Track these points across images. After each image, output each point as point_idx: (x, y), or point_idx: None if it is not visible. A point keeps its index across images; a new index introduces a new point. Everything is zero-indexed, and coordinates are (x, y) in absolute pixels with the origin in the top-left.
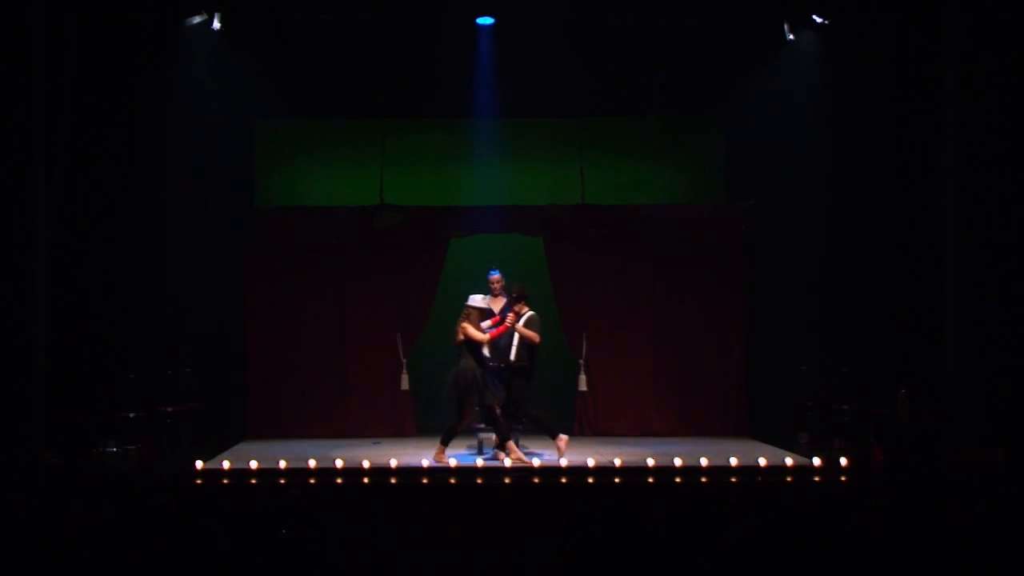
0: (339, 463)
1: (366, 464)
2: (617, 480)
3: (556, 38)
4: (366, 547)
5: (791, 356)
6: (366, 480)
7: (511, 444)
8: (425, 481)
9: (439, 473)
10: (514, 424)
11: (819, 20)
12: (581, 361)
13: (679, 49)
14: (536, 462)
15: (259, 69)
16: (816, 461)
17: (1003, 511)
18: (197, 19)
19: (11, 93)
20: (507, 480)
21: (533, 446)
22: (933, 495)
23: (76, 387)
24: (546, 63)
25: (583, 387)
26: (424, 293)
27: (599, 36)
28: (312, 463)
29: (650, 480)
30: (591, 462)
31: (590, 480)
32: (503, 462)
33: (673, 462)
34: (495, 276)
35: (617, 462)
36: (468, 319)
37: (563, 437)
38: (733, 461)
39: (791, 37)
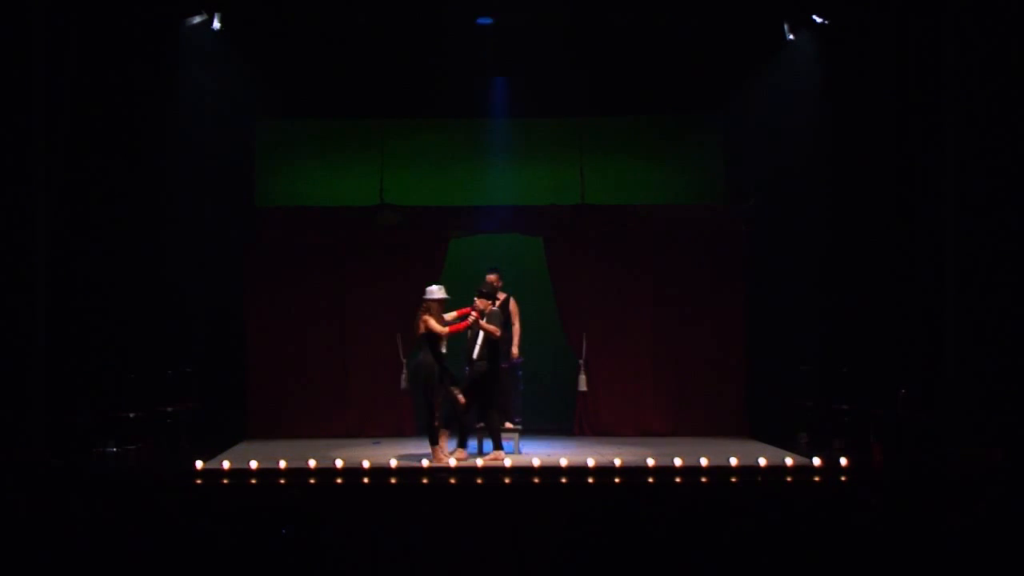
0: (339, 463)
1: (366, 464)
2: (617, 480)
3: (556, 38)
4: (366, 547)
5: (791, 356)
6: (366, 480)
7: (438, 449)
8: (425, 481)
9: (439, 473)
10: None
11: (819, 20)
12: (581, 361)
13: (679, 49)
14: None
15: (259, 69)
16: (816, 461)
17: (1003, 511)
18: (197, 19)
19: (11, 93)
20: (507, 480)
21: (533, 446)
22: (933, 495)
23: (76, 387)
24: (546, 63)
25: (583, 387)
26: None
27: (599, 36)
28: (312, 463)
29: (650, 480)
30: (591, 462)
31: (590, 480)
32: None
33: (673, 462)
34: (492, 276)
35: (617, 462)
36: (428, 311)
37: (500, 454)
38: (733, 461)
39: (791, 37)
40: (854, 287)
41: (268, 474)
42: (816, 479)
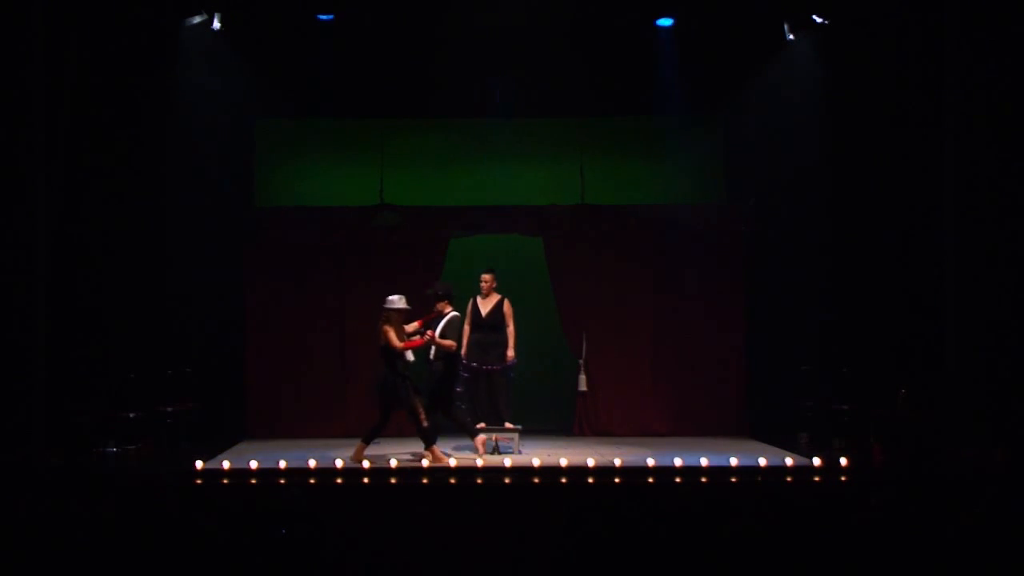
0: (339, 463)
1: (366, 464)
2: (617, 480)
3: (556, 38)
4: (366, 547)
5: (791, 356)
6: (366, 480)
7: (435, 448)
8: (425, 481)
9: (439, 473)
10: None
11: (819, 20)
12: (581, 361)
13: (679, 49)
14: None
15: (259, 69)
16: (816, 461)
17: (1003, 511)
18: (197, 19)
19: (11, 93)
20: (507, 480)
21: (533, 446)
22: (933, 495)
23: (76, 387)
24: (546, 63)
25: (583, 387)
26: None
27: (599, 36)
28: (312, 463)
29: (650, 480)
30: (591, 462)
31: (590, 480)
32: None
33: (673, 462)
34: (487, 276)
35: (617, 462)
36: (388, 322)
37: (431, 455)
38: (733, 461)
39: (791, 37)
40: (854, 287)
41: (268, 474)
42: (816, 479)
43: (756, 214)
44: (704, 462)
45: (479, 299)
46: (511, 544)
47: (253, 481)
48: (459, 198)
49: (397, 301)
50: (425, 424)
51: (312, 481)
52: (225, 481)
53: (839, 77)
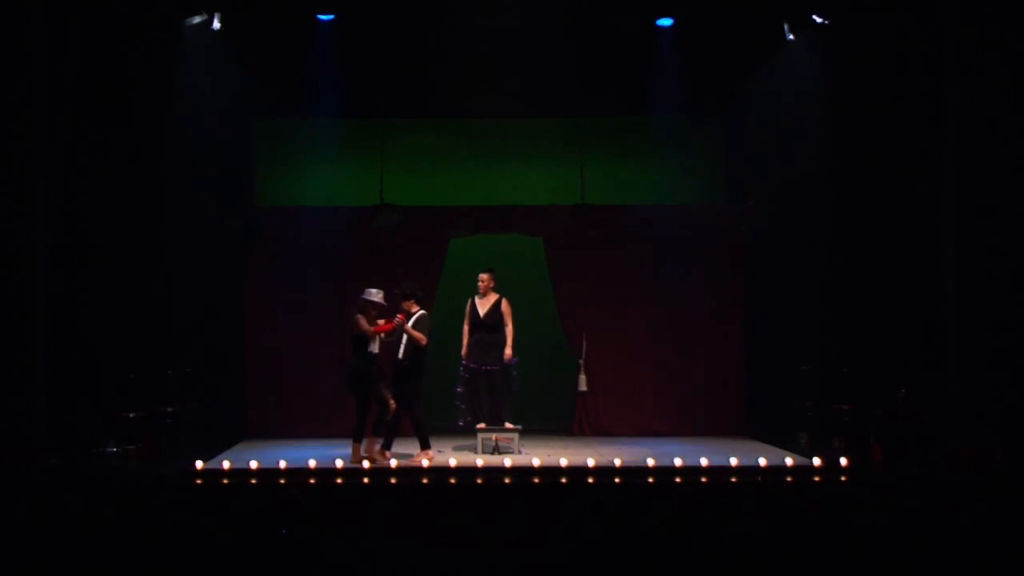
0: (339, 463)
1: (366, 464)
2: (617, 480)
3: (556, 38)
4: (366, 547)
5: (791, 356)
6: (366, 480)
7: (356, 445)
8: (425, 481)
9: (439, 473)
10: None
11: (819, 20)
12: (581, 361)
13: (679, 49)
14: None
15: (259, 69)
16: (816, 461)
17: (1003, 511)
18: (197, 19)
19: (11, 93)
20: (507, 480)
21: (533, 446)
22: (933, 495)
23: (76, 387)
24: (546, 63)
25: (583, 387)
26: (424, 293)
27: (599, 36)
28: (312, 463)
29: (650, 480)
30: (591, 462)
31: (590, 480)
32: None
33: (673, 462)
34: (484, 275)
35: (617, 462)
36: (363, 312)
37: (428, 453)
38: (733, 461)
39: (791, 37)
40: (854, 287)
41: (268, 474)
42: (816, 479)
43: (756, 214)
44: (704, 462)
45: (477, 299)
46: (511, 544)
47: (253, 481)
48: (459, 198)
49: (375, 294)
50: (388, 418)
51: (312, 481)
52: (225, 481)
53: (839, 77)
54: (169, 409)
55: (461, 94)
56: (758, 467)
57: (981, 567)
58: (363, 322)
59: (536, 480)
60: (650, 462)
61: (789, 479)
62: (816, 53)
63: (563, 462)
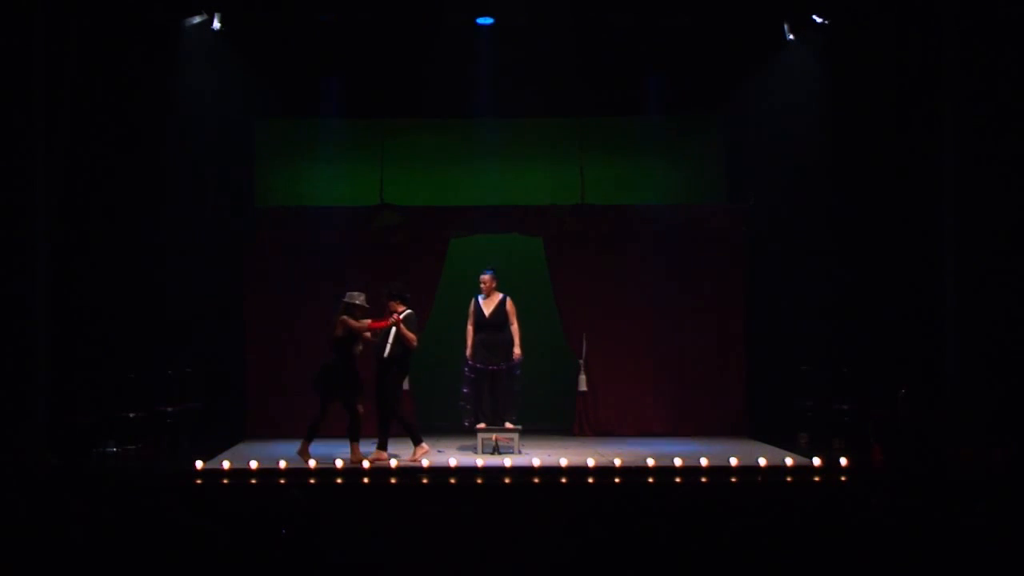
0: (339, 463)
1: (366, 464)
2: (617, 480)
3: (556, 38)
4: (366, 547)
5: (791, 356)
6: (366, 480)
7: (355, 445)
8: (425, 481)
9: (439, 473)
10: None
11: (819, 20)
12: (581, 361)
13: (679, 49)
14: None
15: (259, 69)
16: (816, 461)
17: (1003, 511)
18: (197, 19)
19: (11, 93)
20: (507, 480)
21: (533, 446)
22: (933, 495)
23: (76, 387)
24: (546, 63)
25: (583, 387)
26: (424, 293)
27: (599, 36)
28: (312, 463)
29: (650, 480)
30: (591, 462)
31: (590, 480)
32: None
33: (673, 462)
34: (486, 276)
35: (617, 462)
36: (347, 313)
37: (424, 448)
38: (733, 461)
39: (791, 37)
40: (854, 287)
41: (268, 474)
42: (816, 479)
43: (756, 214)
44: (704, 462)
45: (481, 299)
46: (511, 544)
47: (253, 481)
48: (459, 198)
49: (357, 296)
50: (357, 420)
51: (312, 481)
52: (225, 481)
53: (839, 77)
54: (169, 409)
55: (461, 94)
56: (758, 467)
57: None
58: (352, 322)
59: (536, 480)
60: (650, 462)
61: (789, 479)
62: (816, 53)
63: (563, 462)
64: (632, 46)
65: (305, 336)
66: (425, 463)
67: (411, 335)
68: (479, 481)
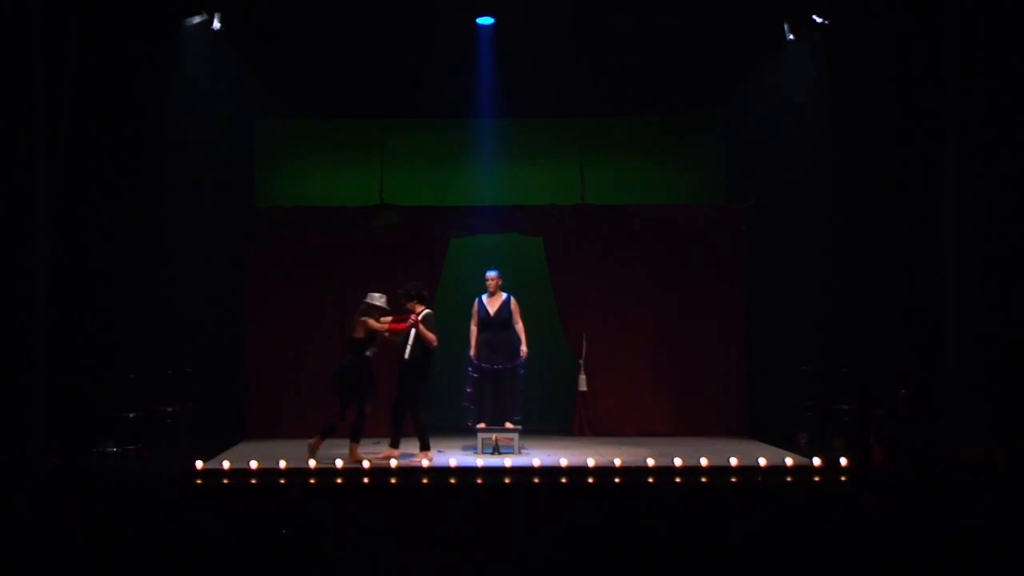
0: (339, 463)
1: (366, 464)
2: (617, 480)
3: (556, 38)
4: (366, 547)
5: (791, 356)
6: (366, 480)
7: (355, 445)
8: (425, 481)
9: (439, 473)
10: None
11: (819, 20)
12: (581, 361)
13: (679, 49)
14: (507, 462)
15: (259, 69)
16: (816, 461)
17: (1003, 511)
18: (197, 19)
19: (11, 93)
20: (507, 480)
21: (533, 446)
22: (933, 495)
23: (76, 387)
24: (546, 63)
25: (583, 387)
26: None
27: (599, 36)
28: (312, 463)
29: (650, 480)
30: (591, 462)
31: (590, 480)
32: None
33: (673, 462)
34: (493, 274)
35: (617, 462)
36: (367, 315)
37: (428, 454)
38: (733, 461)
39: (791, 37)
40: (854, 287)
41: (268, 474)
42: (816, 479)
43: (756, 214)
44: (704, 462)
45: (485, 298)
46: (511, 544)
47: (253, 481)
48: (459, 198)
49: (378, 298)
50: (362, 422)
51: (312, 481)
52: (225, 481)
53: (839, 77)
54: (169, 409)
55: (461, 94)
56: (758, 467)
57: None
58: (373, 323)
59: (536, 480)
60: (650, 462)
61: (789, 479)
62: (816, 53)
63: (563, 462)
64: (632, 46)
65: (305, 336)
66: (424, 464)
67: (430, 335)
68: (479, 481)
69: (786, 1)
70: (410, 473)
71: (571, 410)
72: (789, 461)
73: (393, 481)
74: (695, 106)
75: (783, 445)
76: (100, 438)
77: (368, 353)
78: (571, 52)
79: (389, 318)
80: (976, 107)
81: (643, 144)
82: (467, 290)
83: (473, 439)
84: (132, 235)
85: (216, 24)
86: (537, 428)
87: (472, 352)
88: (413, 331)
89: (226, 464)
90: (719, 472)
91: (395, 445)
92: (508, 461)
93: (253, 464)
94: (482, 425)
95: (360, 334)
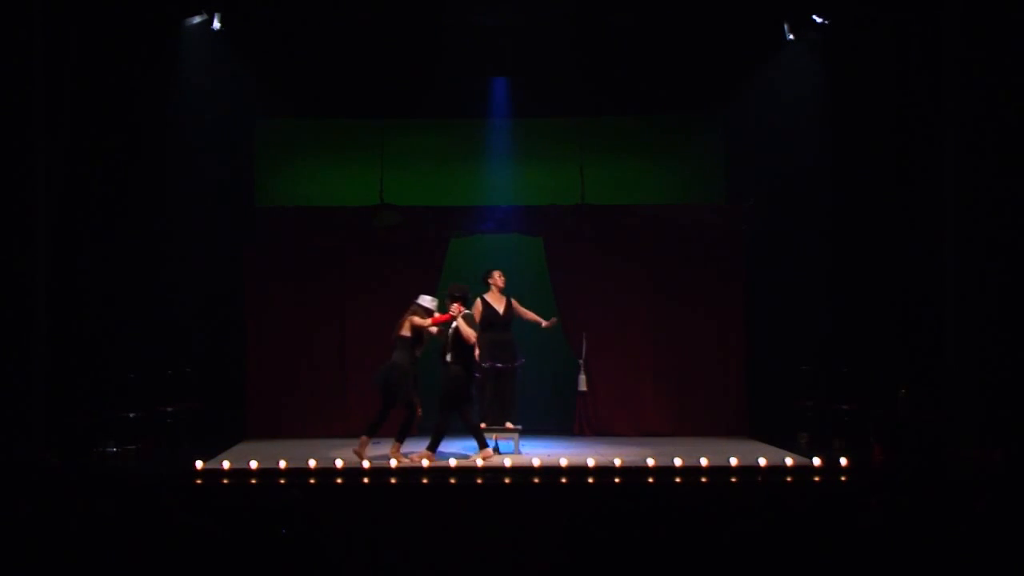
0: (339, 463)
1: (366, 464)
2: (617, 480)
3: (556, 38)
4: (366, 547)
5: (791, 356)
6: (366, 480)
7: (397, 444)
8: (425, 481)
9: (439, 473)
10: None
11: (819, 20)
12: (581, 361)
13: (679, 49)
14: (507, 462)
15: (259, 69)
16: (816, 461)
17: (1003, 511)
18: (197, 19)
19: (11, 93)
20: (507, 480)
21: (533, 446)
22: (933, 495)
23: (76, 387)
24: (546, 63)
25: (583, 387)
26: (424, 293)
27: (599, 36)
28: (312, 463)
29: (650, 480)
30: (591, 462)
31: (590, 480)
32: (421, 463)
33: (673, 462)
34: (499, 273)
35: (617, 462)
36: (416, 314)
37: (487, 452)
38: (733, 461)
39: (791, 37)
40: (854, 287)
41: (268, 474)
42: (816, 479)
43: (756, 214)
44: (704, 462)
45: (489, 298)
46: (511, 544)
47: (253, 481)
48: (459, 198)
49: (429, 301)
50: (411, 421)
51: (312, 481)
52: (225, 481)
53: (839, 77)
54: (169, 409)
55: (461, 94)
56: (758, 467)
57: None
58: (417, 320)
59: (536, 480)
60: (650, 462)
61: (789, 479)
62: (816, 53)
63: (563, 462)
64: (632, 46)
65: (305, 336)
66: (425, 464)
67: (470, 331)
68: (479, 481)
69: (786, 1)
70: (410, 473)
71: (571, 410)
72: (789, 461)
73: (393, 481)
74: (695, 106)
75: (783, 445)
76: (100, 438)
77: (417, 352)
78: (571, 52)
79: (428, 321)
80: (976, 107)
81: (643, 144)
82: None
83: (473, 439)
84: (132, 235)
85: (216, 24)
86: (537, 428)
87: (477, 352)
88: (452, 335)
89: (226, 464)
90: (719, 472)
91: (483, 446)
92: (508, 461)
93: (253, 464)
94: (482, 425)
95: (407, 332)
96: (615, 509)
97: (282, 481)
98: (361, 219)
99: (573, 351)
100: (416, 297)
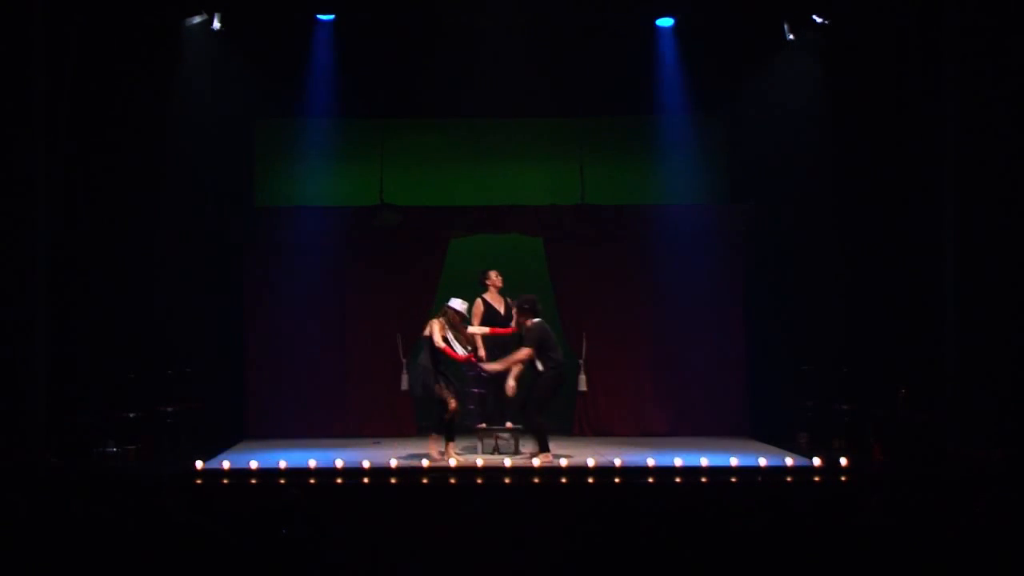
0: (339, 463)
1: (366, 464)
2: (617, 480)
3: (557, 38)
4: (366, 547)
5: (791, 356)
6: (366, 480)
7: (451, 445)
8: (425, 481)
9: (439, 473)
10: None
11: (819, 20)
12: (581, 361)
13: (679, 49)
14: (507, 462)
15: (259, 69)
16: (816, 461)
17: (1003, 511)
18: (197, 19)
19: (11, 93)
20: (507, 480)
21: (531, 447)
22: (933, 495)
23: (76, 387)
24: (547, 63)
25: (583, 387)
26: (424, 293)
27: (599, 36)
28: (312, 463)
29: (650, 480)
30: (591, 462)
31: (590, 480)
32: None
33: (673, 462)
34: (492, 272)
35: (617, 462)
36: (443, 315)
37: (547, 455)
38: (733, 461)
39: (791, 37)
40: (854, 287)
41: (268, 474)
42: (816, 479)
43: (757, 214)
44: (704, 462)
45: (489, 298)
46: (511, 544)
47: (253, 481)
48: (459, 198)
49: (459, 305)
50: (447, 417)
51: (312, 481)
52: (225, 481)
53: (839, 76)
54: (169, 409)
55: (460, 94)
56: (758, 467)
57: (981, 567)
58: (436, 331)
59: (536, 480)
60: (650, 462)
61: (789, 479)
62: (816, 52)
63: (563, 462)
64: (632, 46)
65: (305, 336)
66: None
67: (519, 356)
68: (479, 481)
69: (786, 1)
70: (410, 473)
71: (571, 410)
72: (789, 461)
73: (393, 481)
74: (695, 106)
75: (783, 445)
76: (100, 438)
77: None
78: (571, 52)
79: (485, 330)
80: (976, 107)
81: (643, 144)
82: (467, 290)
83: (474, 439)
84: (132, 235)
85: (216, 24)
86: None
87: (481, 352)
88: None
89: (226, 464)
90: (719, 472)
91: (544, 449)
92: (508, 461)
93: (253, 464)
94: (482, 425)
95: (437, 336)
96: (615, 509)
97: (282, 481)
98: (361, 219)
99: (573, 351)
100: (446, 301)
